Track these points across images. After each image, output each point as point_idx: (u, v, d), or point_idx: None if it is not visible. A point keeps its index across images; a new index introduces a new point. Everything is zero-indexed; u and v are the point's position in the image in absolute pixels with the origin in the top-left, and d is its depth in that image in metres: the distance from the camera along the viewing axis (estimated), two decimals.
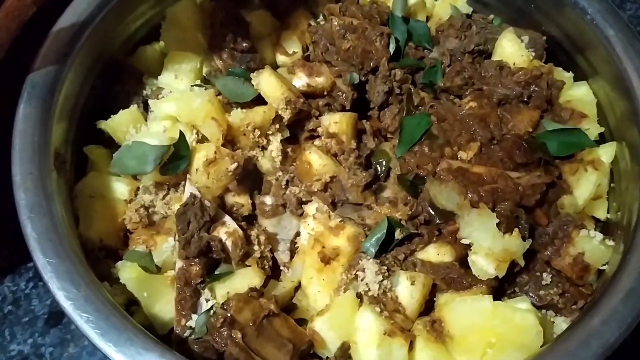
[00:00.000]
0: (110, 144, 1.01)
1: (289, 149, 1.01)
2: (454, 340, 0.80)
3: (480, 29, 1.09)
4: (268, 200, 0.98)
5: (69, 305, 0.72)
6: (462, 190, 0.87)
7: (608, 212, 0.97)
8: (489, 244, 0.83)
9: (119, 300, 0.81)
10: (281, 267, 0.93)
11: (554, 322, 0.88)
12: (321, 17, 1.14)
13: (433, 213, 0.88)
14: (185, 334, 0.81)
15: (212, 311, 0.81)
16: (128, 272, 0.82)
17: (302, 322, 0.86)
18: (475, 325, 0.79)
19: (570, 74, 1.06)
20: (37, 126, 0.85)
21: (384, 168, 0.99)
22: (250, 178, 0.99)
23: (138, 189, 0.96)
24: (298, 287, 0.91)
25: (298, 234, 0.95)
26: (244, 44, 1.05)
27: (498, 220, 0.84)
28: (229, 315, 0.78)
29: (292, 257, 0.94)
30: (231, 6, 1.07)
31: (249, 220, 0.96)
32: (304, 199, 0.96)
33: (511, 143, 0.93)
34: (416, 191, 0.91)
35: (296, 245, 0.94)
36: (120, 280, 0.83)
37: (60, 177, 0.88)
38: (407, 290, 0.83)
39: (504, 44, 1.06)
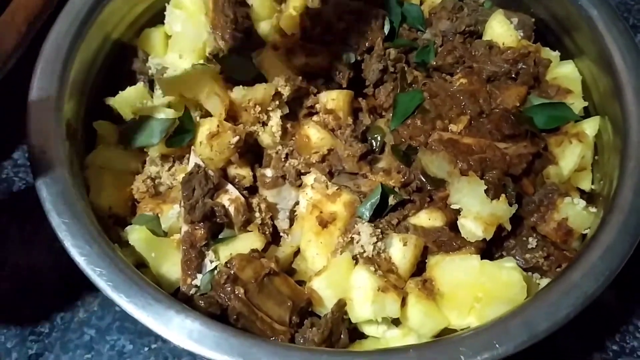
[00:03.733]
0: (118, 120, 1.06)
1: (288, 125, 1.05)
2: (443, 297, 0.85)
3: (472, 11, 1.14)
4: (268, 172, 1.03)
5: (83, 260, 0.77)
6: (453, 159, 0.92)
7: (592, 184, 1.02)
8: (477, 209, 0.88)
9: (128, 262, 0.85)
10: (281, 234, 0.98)
11: (539, 284, 0.93)
12: (318, 1, 1.18)
13: (425, 181, 0.93)
14: (191, 292, 0.86)
15: (216, 270, 0.86)
16: (137, 234, 0.88)
17: (301, 284, 0.91)
18: (464, 283, 0.84)
19: (557, 53, 1.11)
20: (51, 98, 0.90)
21: (378, 142, 1.04)
22: (251, 152, 1.05)
23: (145, 161, 1.02)
24: (297, 253, 0.96)
25: (297, 203, 1.00)
26: (245, 25, 1.10)
27: (486, 187, 0.89)
28: (232, 272, 0.82)
29: (291, 225, 0.99)
30: None
31: (250, 191, 1.01)
32: (302, 171, 1.01)
33: (499, 116, 0.98)
34: (409, 161, 0.96)
35: (295, 214, 0.99)
36: (130, 242, 0.88)
37: (72, 147, 0.92)
38: (400, 251, 0.88)
39: (493, 25, 1.11)
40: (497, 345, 0.73)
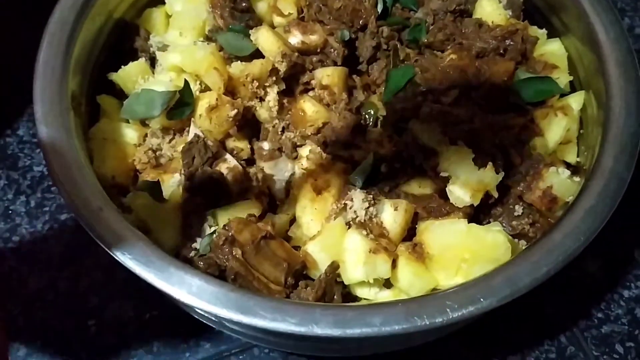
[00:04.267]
0: (120, 95, 1.09)
1: (284, 100, 1.09)
2: (432, 259, 0.89)
3: None
4: (265, 145, 1.06)
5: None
6: (442, 129, 0.96)
7: (578, 157, 1.06)
8: (465, 176, 0.92)
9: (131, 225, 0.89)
10: (277, 203, 1.02)
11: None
12: None
13: (416, 150, 0.97)
14: (190, 255, 0.90)
15: (214, 234, 0.90)
16: (139, 199, 0.91)
17: (296, 250, 0.95)
18: (452, 245, 0.88)
19: (544, 31, 1.14)
20: (56, 70, 0.94)
21: (372, 117, 1.07)
22: (249, 126, 1.08)
23: (146, 134, 1.05)
24: (293, 222, 1.00)
25: (293, 174, 1.03)
26: (244, 4, 1.14)
27: (474, 155, 0.93)
28: (230, 234, 0.86)
29: (287, 195, 1.02)
30: None
31: (248, 164, 1.05)
32: (298, 143, 1.05)
33: (488, 89, 1.02)
34: (400, 131, 0.99)
35: (291, 184, 1.03)
36: (132, 207, 0.91)
37: (77, 117, 0.96)
38: (391, 216, 0.91)
39: (483, 4, 1.15)
40: (481, 300, 0.77)
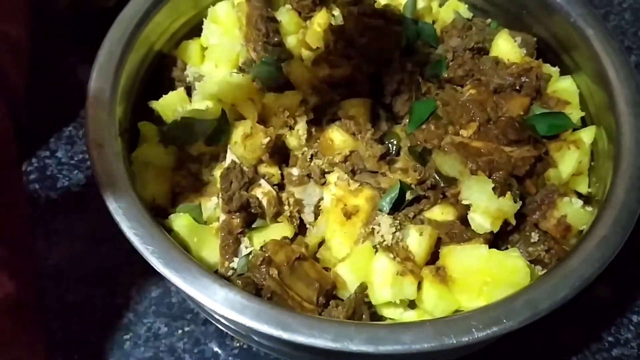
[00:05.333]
0: (158, 122, 1.16)
1: (313, 129, 1.16)
2: (455, 282, 0.95)
3: (479, 30, 1.26)
4: (295, 171, 1.13)
5: (137, 240, 0.87)
6: (463, 160, 1.03)
7: (589, 187, 1.13)
8: (485, 204, 0.98)
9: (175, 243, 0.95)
10: (307, 226, 1.08)
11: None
12: (341, 18, 1.30)
13: (438, 179, 1.03)
14: (228, 273, 0.96)
15: (251, 254, 0.96)
16: (181, 221, 0.98)
17: (326, 270, 1.01)
18: (473, 269, 0.94)
19: (557, 69, 1.22)
20: (106, 99, 1.01)
21: (395, 146, 1.14)
22: (279, 153, 1.15)
23: (184, 159, 1.12)
24: (321, 244, 1.06)
25: (321, 199, 1.10)
26: (275, 39, 1.21)
27: (493, 185, 0.99)
28: (267, 255, 0.92)
29: (315, 218, 1.09)
30: (264, 7, 1.24)
31: (279, 188, 1.11)
32: (326, 170, 1.11)
33: (505, 123, 1.09)
34: (424, 161, 1.06)
35: (320, 209, 1.09)
36: (174, 228, 0.98)
37: (122, 143, 1.03)
38: (416, 241, 0.97)
39: (499, 42, 1.23)
40: (504, 320, 0.82)
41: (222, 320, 0.98)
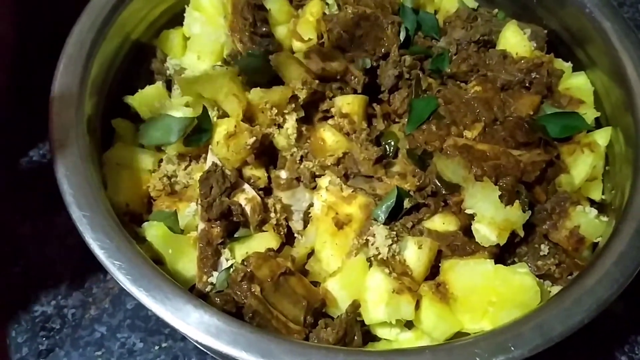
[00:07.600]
0: (135, 119, 1.07)
1: (303, 128, 1.07)
2: (457, 300, 0.86)
3: (485, 21, 1.16)
4: (283, 174, 1.04)
5: (102, 253, 0.78)
6: (467, 165, 0.94)
7: (603, 194, 1.04)
8: (491, 214, 0.89)
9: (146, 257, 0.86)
10: (295, 235, 0.99)
11: (550, 292, 0.93)
12: (335, 6, 1.20)
13: (439, 185, 0.94)
14: (206, 289, 0.87)
15: (232, 268, 0.87)
16: (154, 230, 0.88)
17: (314, 285, 0.92)
18: (478, 286, 0.85)
19: (570, 64, 1.12)
20: (73, 94, 0.92)
21: (392, 147, 1.05)
22: (266, 154, 1.06)
23: (161, 160, 1.03)
24: (310, 255, 0.97)
25: (311, 205, 1.01)
26: (264, 29, 1.11)
27: (500, 192, 0.90)
28: (248, 270, 0.83)
29: (305, 226, 0.99)
30: None
31: (265, 193, 1.02)
32: (317, 173, 1.02)
33: (513, 124, 1.00)
34: (424, 165, 0.97)
35: (309, 216, 1.00)
36: (147, 238, 0.88)
37: (92, 143, 0.93)
38: (415, 254, 0.88)
39: (507, 35, 1.13)
40: (512, 348, 0.74)
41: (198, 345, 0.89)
